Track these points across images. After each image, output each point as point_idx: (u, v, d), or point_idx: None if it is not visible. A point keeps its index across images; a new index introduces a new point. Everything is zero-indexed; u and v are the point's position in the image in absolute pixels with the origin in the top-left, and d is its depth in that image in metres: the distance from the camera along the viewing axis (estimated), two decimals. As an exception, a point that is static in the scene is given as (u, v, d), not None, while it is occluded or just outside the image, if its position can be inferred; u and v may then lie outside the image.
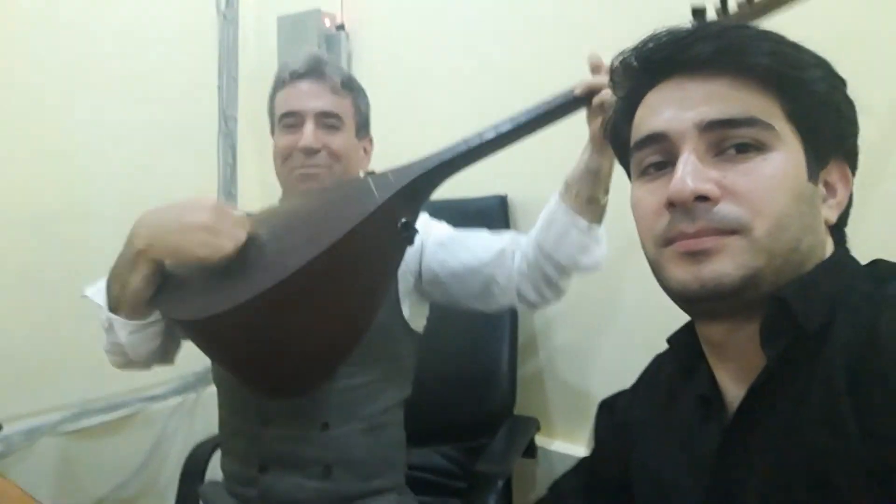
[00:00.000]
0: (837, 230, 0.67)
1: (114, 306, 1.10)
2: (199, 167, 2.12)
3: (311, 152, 1.22)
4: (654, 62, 0.67)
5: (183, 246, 1.02)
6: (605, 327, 1.62)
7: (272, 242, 1.05)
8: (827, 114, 0.64)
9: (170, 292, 1.10)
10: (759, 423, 0.60)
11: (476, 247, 1.24)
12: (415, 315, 1.29)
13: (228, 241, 1.02)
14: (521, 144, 1.71)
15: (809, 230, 0.62)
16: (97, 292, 1.13)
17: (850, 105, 0.66)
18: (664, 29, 0.67)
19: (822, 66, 0.65)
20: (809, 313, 0.58)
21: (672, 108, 0.64)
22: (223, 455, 1.30)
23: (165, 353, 1.20)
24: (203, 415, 2.07)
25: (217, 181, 2.16)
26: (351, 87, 1.28)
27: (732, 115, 0.61)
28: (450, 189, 1.73)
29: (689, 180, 0.59)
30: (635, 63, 0.69)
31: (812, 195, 0.62)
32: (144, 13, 1.94)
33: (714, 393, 0.68)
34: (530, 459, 1.60)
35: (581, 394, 1.67)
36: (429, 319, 1.37)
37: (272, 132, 1.29)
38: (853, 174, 0.68)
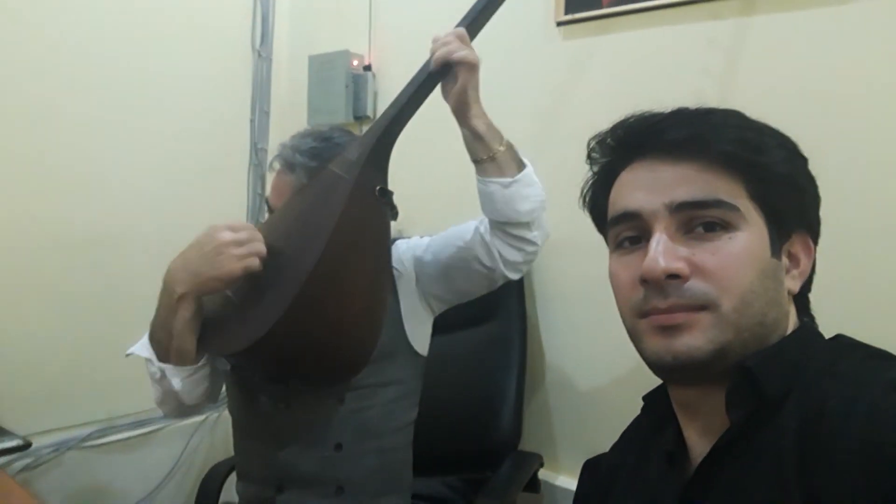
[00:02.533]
0: (801, 297, 0.71)
1: (162, 357, 1.18)
2: (229, 196, 2.21)
3: None
4: (626, 144, 0.72)
5: (222, 269, 1.09)
6: (613, 365, 1.65)
7: (280, 252, 1.14)
8: (788, 192, 0.68)
9: (211, 334, 1.17)
10: (715, 481, 0.64)
11: (452, 239, 1.33)
12: (418, 335, 1.34)
13: (258, 244, 1.11)
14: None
15: (773, 304, 0.65)
16: (142, 347, 1.20)
17: (810, 181, 0.71)
18: (637, 113, 0.72)
19: (785, 147, 0.69)
20: (771, 383, 0.61)
21: (644, 189, 0.68)
22: (239, 479, 1.35)
23: (213, 394, 1.29)
24: (224, 432, 2.14)
25: (246, 210, 2.25)
26: (292, 169, 1.28)
27: (700, 197, 0.65)
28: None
29: (661, 260, 0.63)
30: (610, 142, 0.74)
31: (776, 270, 0.67)
32: (184, 50, 2.05)
33: (679, 449, 0.72)
34: (534, 494, 1.63)
35: (586, 430, 1.70)
36: (437, 353, 1.41)
37: None
38: (815, 244, 0.72)
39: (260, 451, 1.29)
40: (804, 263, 0.70)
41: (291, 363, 1.17)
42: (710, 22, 1.50)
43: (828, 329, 0.70)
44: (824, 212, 0.73)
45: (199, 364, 1.19)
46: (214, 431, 2.16)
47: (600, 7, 1.63)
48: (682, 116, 0.70)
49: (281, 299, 1.06)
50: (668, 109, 0.71)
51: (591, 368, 1.70)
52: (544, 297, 1.77)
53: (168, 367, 1.17)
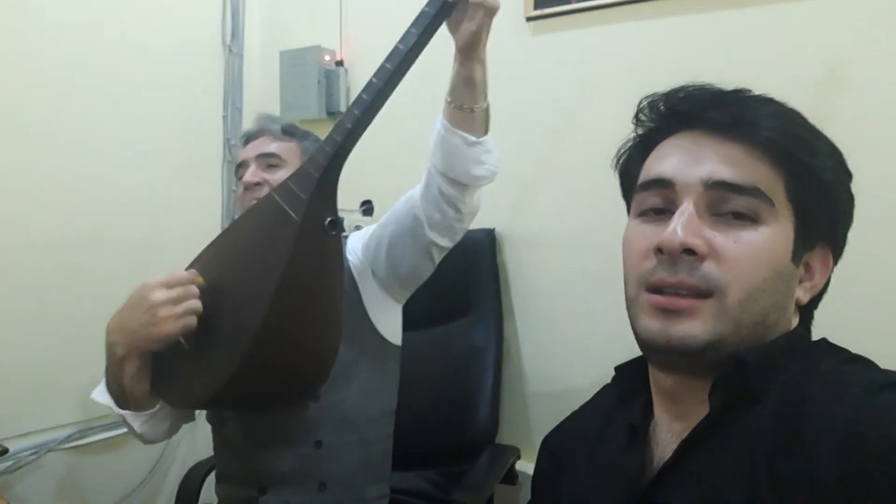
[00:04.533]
0: (806, 310, 0.71)
1: (120, 404, 1.18)
2: (203, 193, 2.19)
3: (251, 186, 1.33)
4: (678, 112, 0.70)
5: (159, 331, 1.08)
6: (588, 357, 1.67)
7: (228, 290, 1.14)
8: (826, 202, 0.67)
9: (166, 383, 1.18)
10: (686, 466, 0.65)
11: (387, 218, 1.32)
12: (385, 323, 1.34)
13: (193, 302, 1.10)
14: (509, 180, 1.79)
15: (778, 307, 0.65)
16: (101, 393, 1.21)
17: (850, 198, 0.69)
18: (696, 83, 0.70)
19: (834, 157, 0.68)
20: (760, 378, 0.62)
21: (684, 159, 0.67)
22: (219, 482, 1.36)
23: (185, 417, 1.33)
24: (204, 431, 2.13)
25: (221, 206, 2.23)
26: (293, 133, 1.42)
27: (739, 180, 0.63)
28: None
29: (681, 232, 0.62)
30: (662, 107, 0.72)
31: (791, 275, 0.66)
32: (155, 47, 2.02)
33: (643, 423, 0.72)
34: (511, 486, 1.66)
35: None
36: (413, 349, 1.42)
37: None
38: (835, 262, 0.71)
39: (239, 454, 1.30)
40: (818, 278, 0.70)
41: (246, 405, 1.24)
42: (682, 16, 1.51)
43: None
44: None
45: (157, 409, 1.20)
46: (195, 429, 2.14)
47: (569, 2, 1.64)
48: (739, 97, 0.68)
49: (232, 351, 1.06)
50: (730, 86, 0.69)
51: (567, 361, 1.72)
52: (519, 291, 1.79)
53: (127, 413, 1.18)
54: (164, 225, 2.05)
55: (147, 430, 1.21)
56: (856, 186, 0.70)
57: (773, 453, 0.58)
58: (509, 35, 1.75)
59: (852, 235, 0.72)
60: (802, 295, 0.68)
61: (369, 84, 1.10)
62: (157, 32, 2.03)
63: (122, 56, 1.95)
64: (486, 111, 1.19)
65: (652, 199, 0.68)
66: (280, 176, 1.32)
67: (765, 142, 0.64)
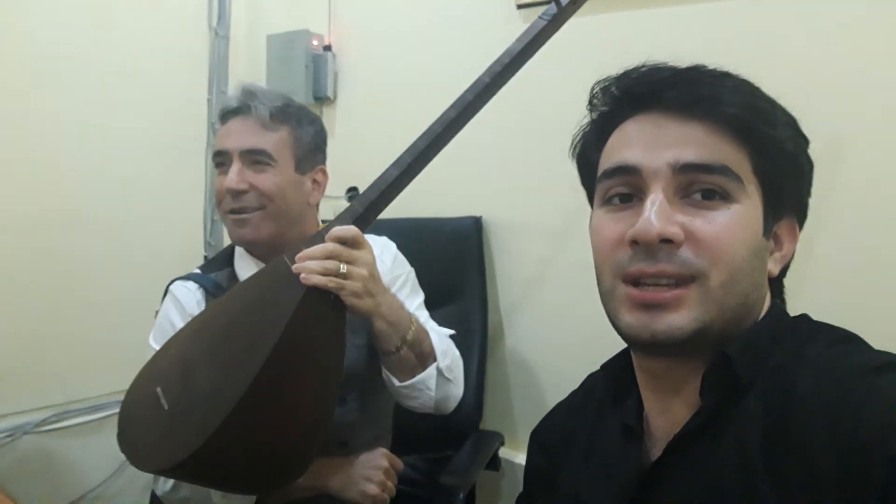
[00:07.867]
0: (777, 281, 0.71)
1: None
2: (187, 176, 2.17)
3: (237, 193, 1.18)
4: (634, 94, 0.68)
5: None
6: (573, 344, 1.67)
7: (221, 350, 1.00)
8: (791, 172, 0.67)
9: (135, 440, 1.03)
10: (679, 463, 0.64)
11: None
12: None
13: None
14: (495, 167, 1.79)
15: (757, 285, 0.65)
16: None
17: (810, 165, 0.69)
18: (649, 63, 0.69)
19: (792, 125, 0.67)
20: (747, 370, 0.61)
21: (647, 144, 0.65)
22: None
23: None
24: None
25: (204, 190, 2.21)
26: (285, 119, 1.23)
27: (707, 160, 0.62)
28: (425, 209, 1.81)
29: (657, 222, 0.60)
30: (615, 90, 0.70)
31: (764, 250, 0.65)
32: (141, 28, 2.00)
33: (638, 423, 0.71)
34: (494, 472, 1.67)
35: (546, 409, 1.71)
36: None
37: None
38: (801, 230, 0.71)
39: None
40: (787, 248, 0.70)
41: (214, 481, 1.06)
42: (675, 6, 1.51)
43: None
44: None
45: None
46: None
47: (560, -10, 1.64)
48: (696, 74, 0.67)
49: (209, 419, 0.91)
50: (683, 64, 0.68)
51: (552, 348, 1.73)
52: (505, 279, 1.79)
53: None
54: (144, 208, 2.03)
55: None
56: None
57: (767, 444, 0.57)
58: (500, 23, 1.75)
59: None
60: (773, 267, 0.68)
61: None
62: (142, 12, 2.01)
63: (106, 35, 1.92)
64: (410, 349, 1.13)
65: (617, 188, 0.67)
66: (269, 178, 1.19)
67: (728, 118, 0.63)
